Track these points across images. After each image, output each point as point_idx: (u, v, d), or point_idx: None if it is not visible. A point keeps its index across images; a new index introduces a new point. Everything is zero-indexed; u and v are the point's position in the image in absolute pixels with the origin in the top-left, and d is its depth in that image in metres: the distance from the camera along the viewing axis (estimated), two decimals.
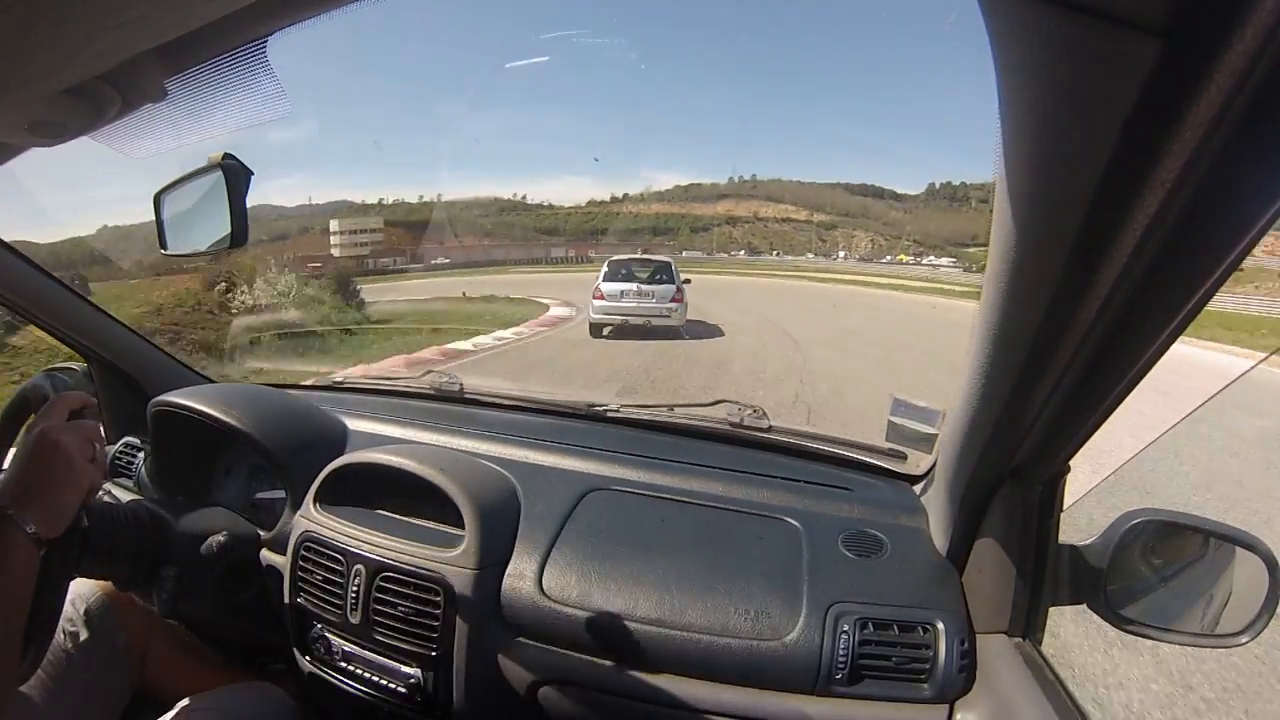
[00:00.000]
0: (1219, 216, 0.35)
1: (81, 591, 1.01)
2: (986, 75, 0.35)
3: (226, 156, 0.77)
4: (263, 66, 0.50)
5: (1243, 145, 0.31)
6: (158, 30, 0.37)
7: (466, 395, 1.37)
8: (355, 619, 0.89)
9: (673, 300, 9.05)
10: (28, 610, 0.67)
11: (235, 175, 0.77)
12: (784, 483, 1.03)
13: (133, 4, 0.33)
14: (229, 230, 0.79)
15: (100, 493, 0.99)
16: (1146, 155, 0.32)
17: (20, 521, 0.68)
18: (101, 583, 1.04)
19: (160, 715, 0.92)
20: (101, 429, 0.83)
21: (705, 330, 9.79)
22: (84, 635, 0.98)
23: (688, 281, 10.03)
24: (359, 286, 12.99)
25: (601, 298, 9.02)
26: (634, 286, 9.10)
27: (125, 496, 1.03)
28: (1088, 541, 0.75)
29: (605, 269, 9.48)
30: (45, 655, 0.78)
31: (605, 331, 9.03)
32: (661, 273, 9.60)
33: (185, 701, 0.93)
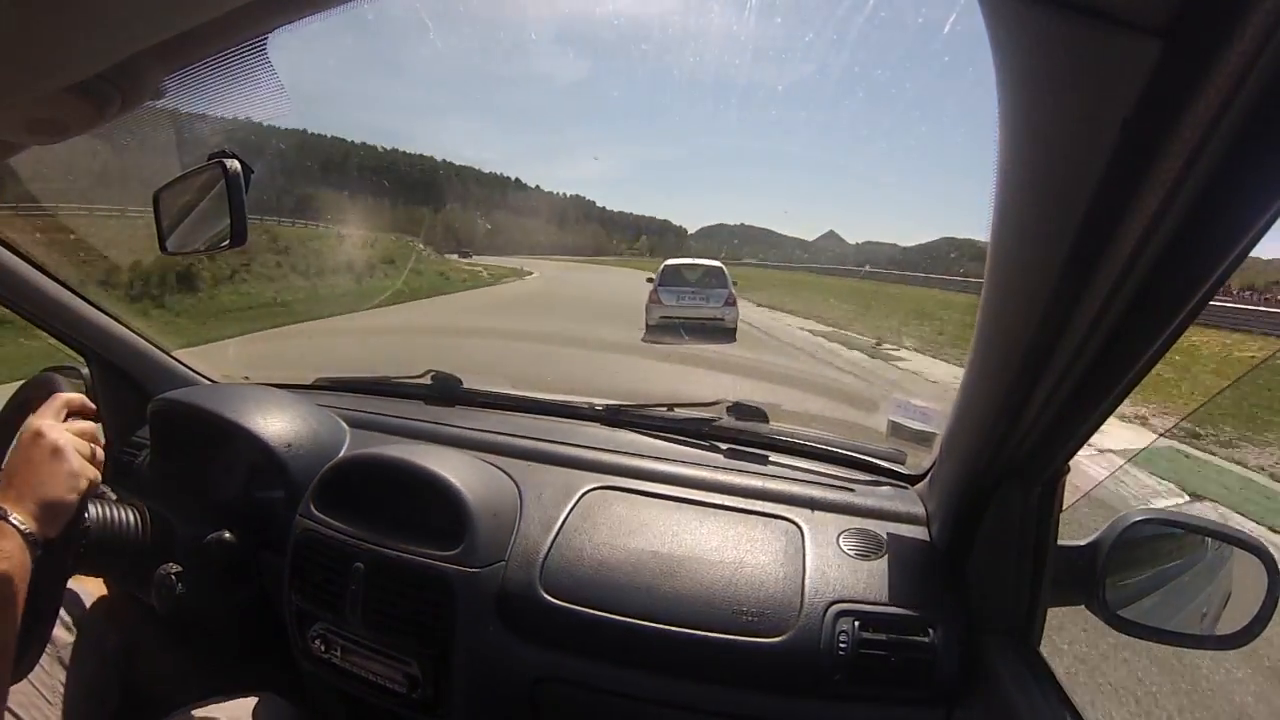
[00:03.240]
0: (1218, 217, 0.36)
1: (73, 592, 1.01)
2: (987, 75, 0.35)
3: (226, 154, 0.77)
4: (263, 64, 0.50)
5: (1243, 145, 0.31)
6: (158, 28, 0.37)
7: (466, 394, 1.37)
8: (354, 618, 0.89)
9: (726, 304, 9.11)
10: (21, 613, 0.65)
11: (234, 173, 0.77)
12: (783, 482, 1.03)
13: (133, 1, 0.33)
14: (229, 228, 0.79)
15: (99, 492, 0.98)
16: (1146, 155, 0.32)
17: (14, 521, 0.66)
18: (92, 582, 1.03)
19: (151, 716, 0.90)
20: (100, 429, 0.82)
21: None
22: (74, 636, 0.97)
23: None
24: None
25: (659, 302, 9.00)
26: (690, 291, 9.12)
27: (125, 496, 1.03)
28: (1086, 542, 0.75)
29: (660, 274, 9.40)
30: (41, 655, 0.78)
31: (659, 334, 8.88)
32: (715, 277, 9.59)
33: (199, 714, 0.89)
